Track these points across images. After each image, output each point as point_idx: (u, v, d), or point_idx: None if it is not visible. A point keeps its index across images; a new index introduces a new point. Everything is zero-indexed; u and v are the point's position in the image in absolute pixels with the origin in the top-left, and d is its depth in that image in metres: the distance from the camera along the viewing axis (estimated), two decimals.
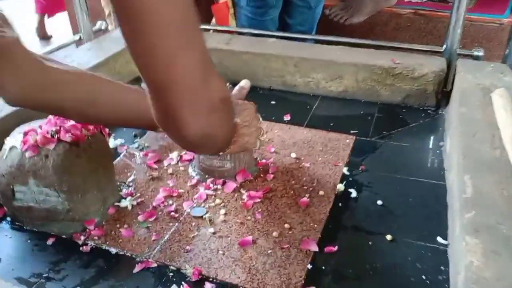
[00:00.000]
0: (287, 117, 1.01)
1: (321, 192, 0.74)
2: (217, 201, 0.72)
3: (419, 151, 0.90)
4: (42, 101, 0.56)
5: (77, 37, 1.29)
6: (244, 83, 0.70)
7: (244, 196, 0.73)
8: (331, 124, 0.98)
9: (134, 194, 0.73)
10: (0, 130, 0.71)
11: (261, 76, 1.18)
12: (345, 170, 0.81)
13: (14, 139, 0.64)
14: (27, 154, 0.62)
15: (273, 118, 1.00)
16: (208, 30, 1.48)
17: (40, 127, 0.65)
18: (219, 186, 0.75)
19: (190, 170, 0.80)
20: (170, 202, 0.72)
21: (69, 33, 1.73)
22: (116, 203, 0.71)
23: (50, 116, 0.66)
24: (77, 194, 0.64)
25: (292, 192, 0.75)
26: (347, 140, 0.91)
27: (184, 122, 0.43)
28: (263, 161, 0.82)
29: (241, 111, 0.59)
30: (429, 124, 1.00)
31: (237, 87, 0.69)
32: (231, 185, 0.74)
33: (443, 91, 1.06)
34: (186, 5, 0.39)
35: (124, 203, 0.70)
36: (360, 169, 0.82)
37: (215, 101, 0.45)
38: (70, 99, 0.56)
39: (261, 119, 0.66)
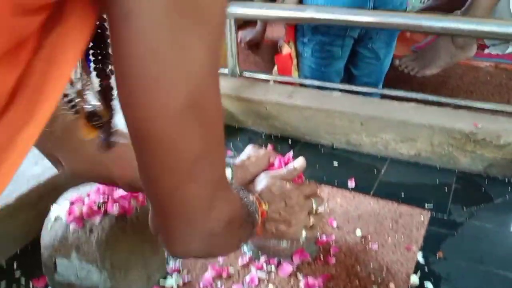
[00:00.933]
0: (351, 183, 0.92)
1: (392, 285, 0.64)
2: (270, 286, 0.64)
3: (507, 235, 0.77)
4: (94, 175, 0.53)
5: None
6: (299, 164, 0.61)
7: (301, 284, 0.64)
8: (402, 193, 0.88)
9: (181, 271, 0.67)
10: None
11: (323, 133, 1.11)
12: (419, 256, 0.70)
13: (60, 207, 0.60)
14: (71, 227, 0.58)
15: (336, 183, 0.92)
16: (269, 80, 1.45)
17: (88, 195, 0.61)
18: (273, 268, 0.67)
19: None
20: (219, 283, 0.65)
21: None
22: (161, 281, 0.65)
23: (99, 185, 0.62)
24: (120, 272, 0.59)
25: (357, 281, 0.65)
26: (422, 217, 0.80)
27: (173, 243, 0.38)
28: (324, 238, 0.74)
29: (278, 196, 0.52)
30: None
31: (289, 167, 0.61)
32: (287, 268, 0.66)
33: None
34: (209, 137, 0.34)
35: (170, 282, 0.64)
36: (437, 256, 0.71)
37: (218, 227, 0.39)
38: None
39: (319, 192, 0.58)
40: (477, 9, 1.28)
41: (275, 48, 1.80)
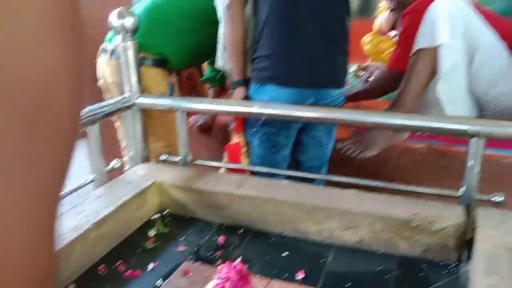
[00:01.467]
0: (301, 274, 0.95)
1: None
2: None
3: None
4: None
5: (91, 177, 1.31)
6: None
7: None
8: (349, 283, 0.92)
9: None
10: None
11: (272, 222, 1.15)
12: None
13: None
14: None
15: (285, 275, 0.95)
16: (220, 168, 1.50)
17: None
18: None
19: None
20: None
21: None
22: None
23: None
24: None
25: None
26: None
27: None
28: None
29: None
30: (452, 285, 0.92)
31: None
32: None
33: (464, 245, 1.00)
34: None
35: None
36: None
37: None
38: None
39: None
40: (403, 105, 1.44)
41: (226, 131, 1.88)
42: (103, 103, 1.36)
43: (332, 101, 1.38)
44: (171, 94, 1.62)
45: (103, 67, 1.61)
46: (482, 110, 1.75)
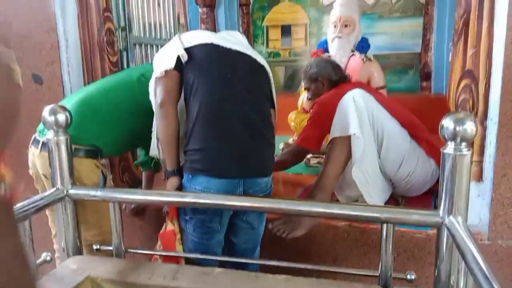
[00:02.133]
0: None
1: None
2: None
3: None
4: None
5: None
6: None
7: None
8: None
9: None
10: None
11: None
12: None
13: None
14: None
15: None
16: (154, 255, 1.52)
17: None
18: None
19: None
20: None
21: None
22: None
23: None
24: None
25: None
26: None
27: None
28: None
29: None
30: None
31: None
32: None
33: None
34: None
35: None
36: None
37: None
38: None
39: None
40: (324, 187, 1.59)
41: (159, 213, 1.90)
42: (34, 198, 1.35)
43: (260, 188, 1.48)
44: (104, 184, 1.64)
45: (34, 158, 1.60)
46: (395, 187, 1.96)
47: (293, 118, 2.95)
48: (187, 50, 1.51)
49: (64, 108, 1.47)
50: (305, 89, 2.37)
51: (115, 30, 2.17)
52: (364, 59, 2.84)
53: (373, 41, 3.12)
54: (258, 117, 1.49)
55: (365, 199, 1.77)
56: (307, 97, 2.38)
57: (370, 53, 2.94)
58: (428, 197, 1.96)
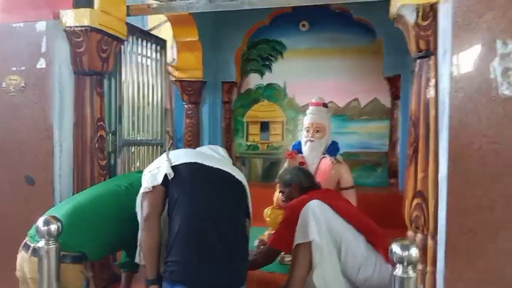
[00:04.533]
0: None
1: None
2: None
3: None
4: None
5: None
6: None
7: None
8: None
9: None
10: None
11: None
12: None
13: None
14: None
15: None
16: None
17: None
18: None
19: None
20: None
21: None
22: None
23: None
24: None
25: None
26: None
27: None
28: None
29: None
30: None
31: None
32: None
33: None
34: None
35: None
36: None
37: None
38: None
39: None
40: None
41: None
42: None
43: None
44: (87, 287, 1.73)
45: (23, 262, 1.70)
46: None
47: (268, 214, 3.11)
48: (173, 167, 1.71)
49: (56, 219, 1.62)
50: (280, 191, 2.57)
51: (106, 135, 2.38)
52: (334, 161, 3.10)
53: (344, 139, 3.42)
54: (234, 233, 1.66)
55: None
56: (281, 199, 2.57)
57: (341, 151, 3.22)
58: None
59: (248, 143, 4.58)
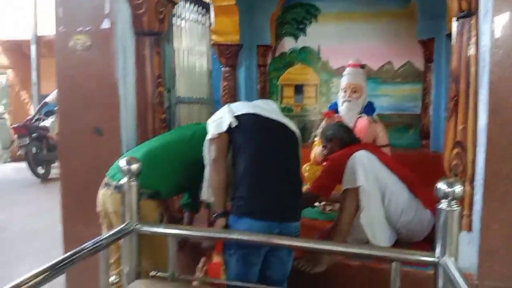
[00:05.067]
0: None
1: None
2: None
3: None
4: None
5: None
6: None
7: None
8: None
9: None
10: None
11: None
12: None
13: None
14: None
15: None
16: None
17: None
18: None
19: None
20: None
21: None
22: None
23: None
24: None
25: None
26: None
27: None
28: None
29: None
30: None
31: None
32: None
33: None
34: None
35: None
36: None
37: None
38: None
39: None
40: (340, 231, 1.94)
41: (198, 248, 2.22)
42: (106, 234, 1.66)
43: (291, 231, 1.83)
44: (161, 222, 1.98)
45: (105, 198, 1.95)
46: (399, 234, 2.30)
47: (307, 169, 3.32)
48: (235, 117, 1.91)
49: (136, 160, 1.85)
50: (322, 146, 2.75)
51: (163, 91, 2.59)
52: (370, 121, 3.25)
53: (377, 102, 3.55)
54: (292, 174, 1.87)
55: (371, 242, 2.12)
56: (323, 153, 2.76)
57: (375, 114, 3.37)
58: (428, 244, 2.29)
59: (283, 106, 4.74)
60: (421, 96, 4.33)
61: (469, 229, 2.01)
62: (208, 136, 1.91)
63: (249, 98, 4.61)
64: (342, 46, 4.47)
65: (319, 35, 4.56)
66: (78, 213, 2.54)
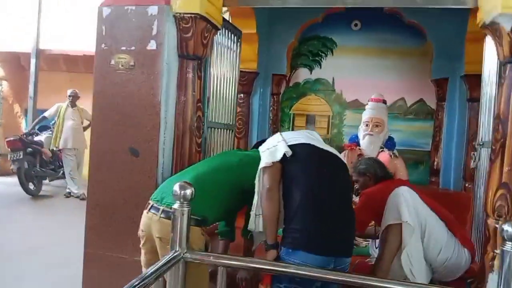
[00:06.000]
0: None
1: None
2: None
3: None
4: None
5: None
6: None
7: None
8: None
9: None
10: None
11: None
12: None
13: None
14: None
15: None
16: None
17: None
18: None
19: None
20: None
21: None
22: None
23: None
24: None
25: None
26: None
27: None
28: None
29: None
30: None
31: None
32: None
33: None
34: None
35: None
36: None
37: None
38: None
39: None
40: (382, 267, 1.93)
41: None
42: (157, 265, 1.58)
43: (344, 266, 1.80)
44: (207, 249, 1.93)
45: (152, 222, 1.89)
46: (434, 272, 2.29)
47: None
48: (290, 147, 1.90)
49: (190, 185, 1.80)
50: (354, 181, 2.75)
51: (202, 116, 2.57)
52: (392, 155, 3.29)
53: None
54: (345, 205, 1.85)
55: (409, 279, 2.10)
56: (355, 188, 2.77)
57: (395, 149, 3.41)
58: (462, 283, 2.29)
59: None
60: (432, 134, 4.41)
61: None
62: (262, 164, 1.89)
63: (262, 126, 4.63)
64: (356, 80, 4.55)
65: (334, 68, 4.64)
66: (104, 234, 2.46)
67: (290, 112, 4.79)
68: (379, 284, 1.61)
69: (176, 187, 1.80)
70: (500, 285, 1.45)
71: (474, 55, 3.81)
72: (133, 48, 2.39)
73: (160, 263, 1.62)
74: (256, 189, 1.92)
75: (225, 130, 3.03)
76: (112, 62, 2.42)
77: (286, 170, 1.88)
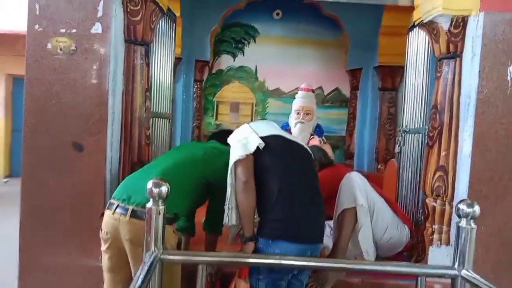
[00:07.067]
0: None
1: None
2: None
3: None
4: None
5: None
6: None
7: None
8: None
9: None
10: None
11: None
12: None
13: None
14: None
15: None
16: None
17: None
18: None
19: None
20: None
21: None
22: None
23: None
24: None
25: None
26: None
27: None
28: None
29: None
30: None
31: None
32: None
33: None
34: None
35: None
36: None
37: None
38: None
39: None
40: (341, 249, 2.06)
41: None
42: (142, 271, 1.49)
43: (317, 252, 1.86)
44: (179, 247, 1.84)
45: (119, 224, 1.73)
46: (377, 249, 2.50)
47: None
48: (262, 138, 1.89)
49: (165, 181, 1.70)
50: None
51: (150, 105, 2.42)
52: (321, 141, 3.47)
53: None
54: (316, 193, 1.91)
55: (364, 257, 2.28)
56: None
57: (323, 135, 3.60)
58: (402, 256, 2.54)
59: (218, 122, 4.73)
60: (346, 120, 4.74)
61: (448, 243, 2.30)
62: (236, 157, 1.85)
63: (186, 113, 4.51)
64: (278, 68, 4.67)
65: (257, 56, 4.70)
66: (41, 238, 2.21)
67: (213, 100, 4.74)
68: (351, 266, 1.72)
69: (149, 185, 1.68)
70: (456, 256, 1.65)
71: (387, 48, 4.18)
72: (74, 30, 2.14)
73: (145, 267, 1.52)
74: (228, 182, 1.88)
75: (163, 119, 2.89)
76: (49, 45, 2.14)
77: (259, 162, 1.87)
